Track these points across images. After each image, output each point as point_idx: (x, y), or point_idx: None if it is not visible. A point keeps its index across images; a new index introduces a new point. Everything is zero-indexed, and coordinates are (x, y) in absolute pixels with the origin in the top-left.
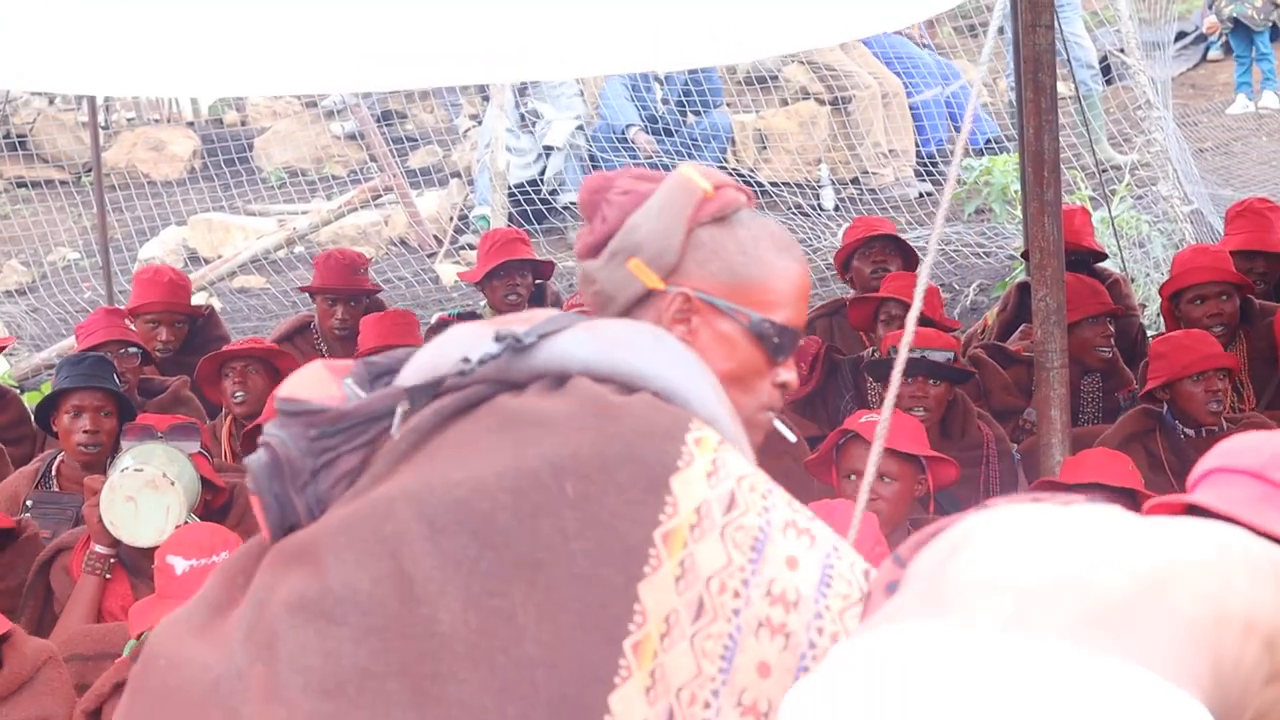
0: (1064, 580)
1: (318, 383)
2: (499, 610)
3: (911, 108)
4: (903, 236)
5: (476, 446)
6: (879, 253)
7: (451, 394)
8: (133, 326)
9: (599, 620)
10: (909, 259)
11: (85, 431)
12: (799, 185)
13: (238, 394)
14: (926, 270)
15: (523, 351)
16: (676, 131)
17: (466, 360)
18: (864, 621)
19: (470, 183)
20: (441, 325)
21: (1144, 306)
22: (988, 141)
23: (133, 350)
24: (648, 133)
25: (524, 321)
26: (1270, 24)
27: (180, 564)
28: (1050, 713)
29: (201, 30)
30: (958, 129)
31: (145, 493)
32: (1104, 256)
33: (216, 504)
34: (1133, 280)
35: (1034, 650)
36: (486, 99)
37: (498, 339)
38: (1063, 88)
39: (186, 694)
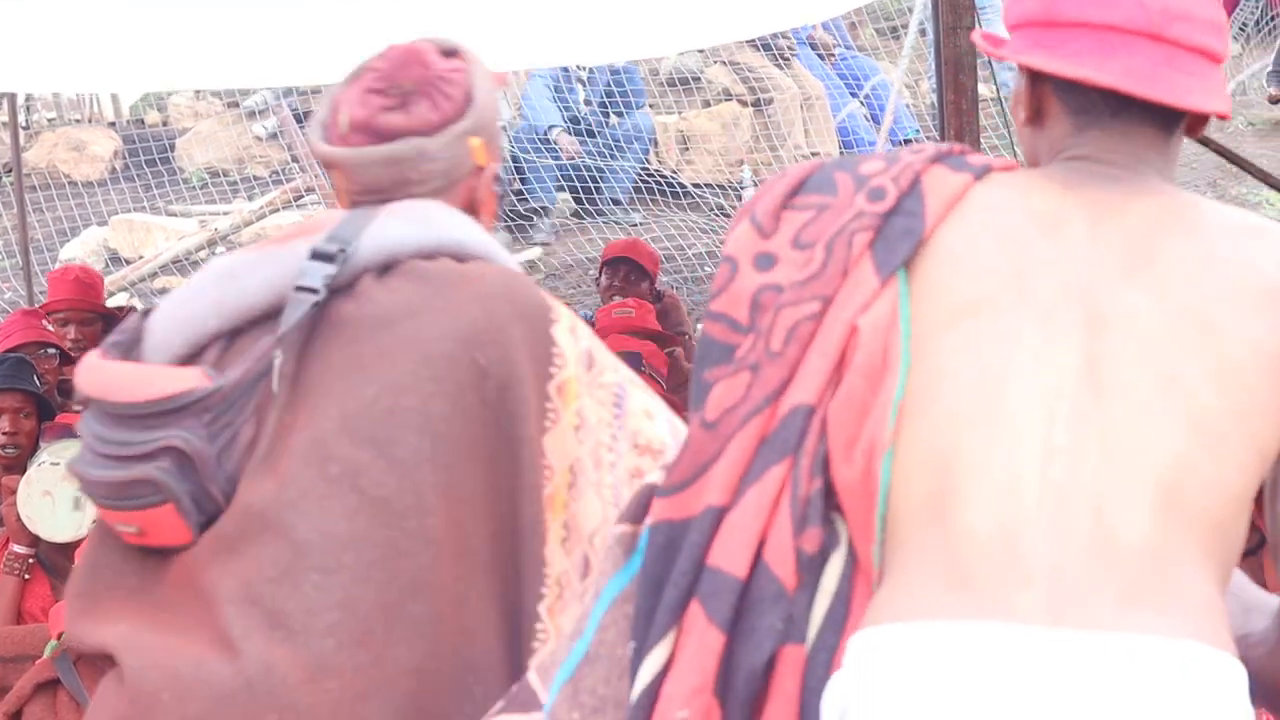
0: (1095, 549)
1: (130, 374)
2: (463, 499)
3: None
4: None
5: (367, 359)
6: None
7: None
8: (51, 327)
9: (530, 482)
10: None
11: (4, 433)
12: (722, 187)
13: None
14: None
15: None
16: (599, 132)
17: (312, 290)
18: (886, 599)
19: None
20: None
21: None
22: (907, 141)
23: (51, 351)
24: (570, 134)
25: (314, 230)
26: None
27: None
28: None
29: (123, 24)
30: (877, 124)
31: (62, 487)
32: None
33: None
34: None
35: (1088, 647)
36: None
37: (325, 256)
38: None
39: (221, 712)
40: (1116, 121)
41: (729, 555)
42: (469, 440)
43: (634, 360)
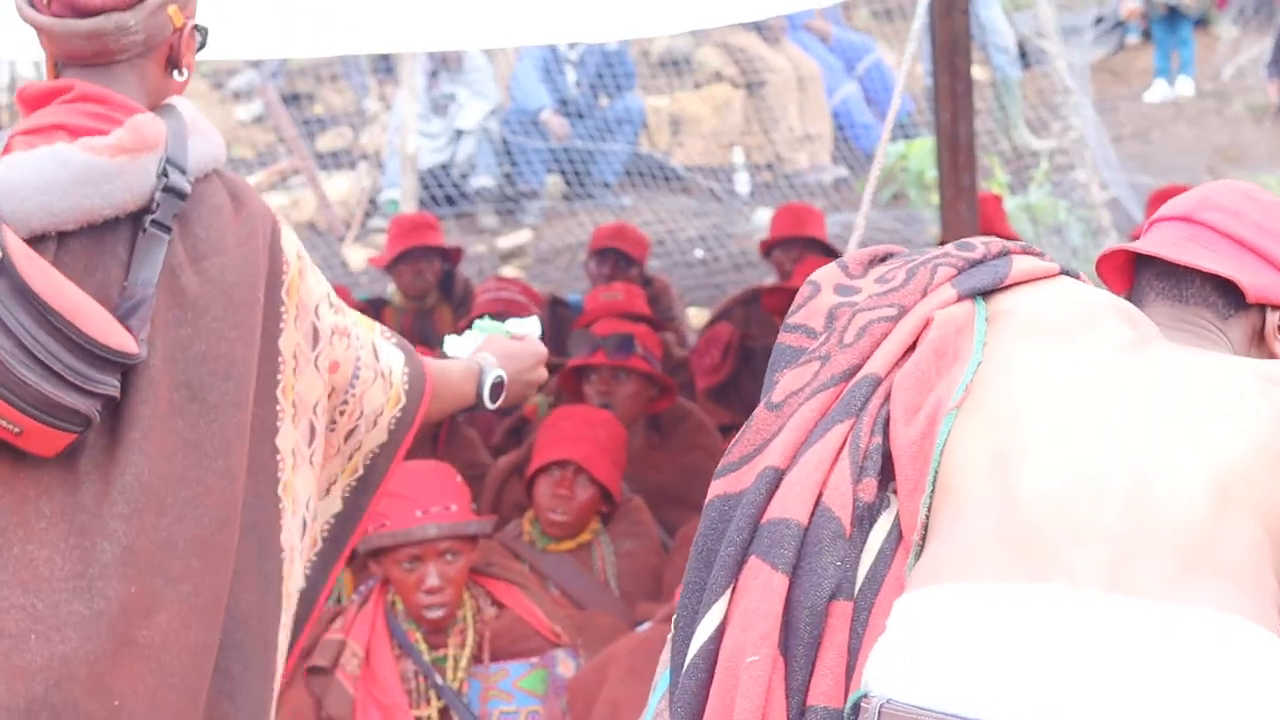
0: (1152, 517)
1: (96, 312)
2: (252, 427)
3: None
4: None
5: (186, 299)
6: (800, 250)
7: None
8: None
9: (272, 377)
10: (829, 254)
11: None
12: (713, 170)
13: None
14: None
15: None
16: (589, 115)
17: (167, 228)
18: (944, 567)
19: (380, 166)
20: None
21: None
22: (900, 125)
23: None
24: (561, 116)
25: (147, 141)
26: (1203, 10)
27: None
28: (1164, 681)
29: None
30: (874, 107)
31: None
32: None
33: None
34: None
35: (1141, 614)
36: (398, 82)
37: (177, 193)
38: (980, 72)
39: (84, 650)
40: (1163, 301)
41: (789, 504)
42: (258, 375)
43: (626, 342)
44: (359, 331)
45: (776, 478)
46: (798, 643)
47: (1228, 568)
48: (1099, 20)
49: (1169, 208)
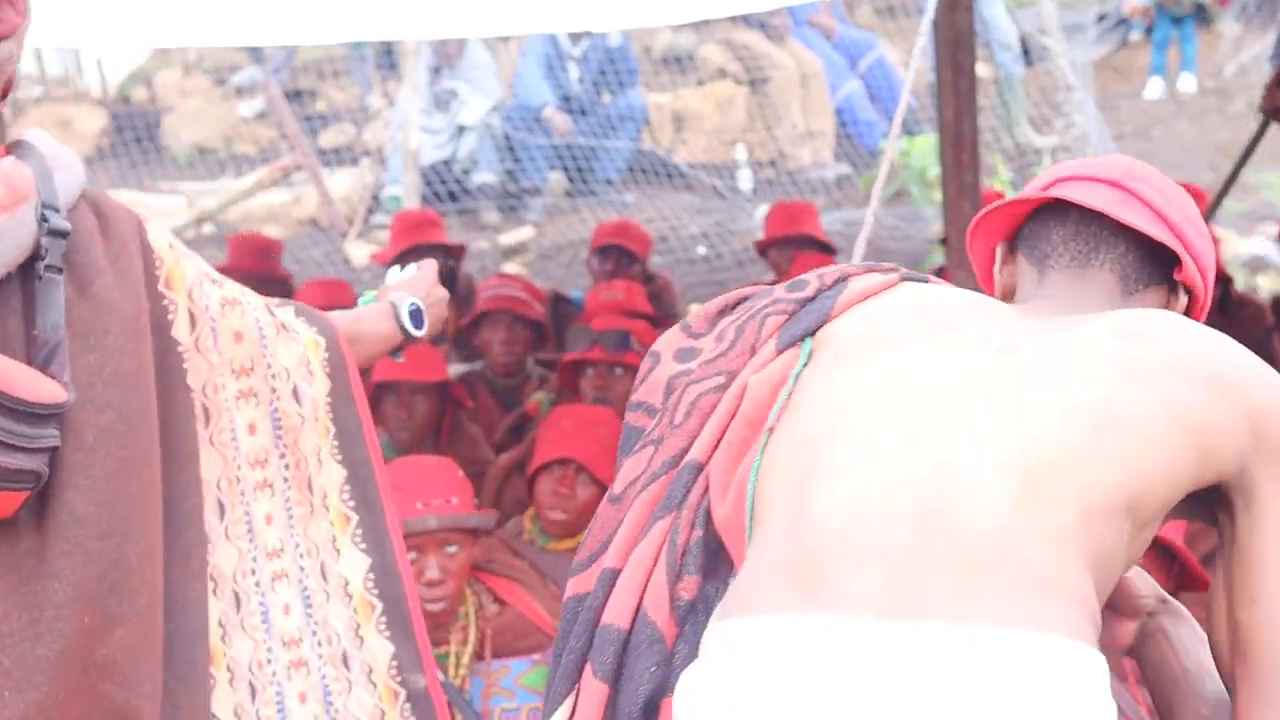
0: (944, 529)
1: (23, 373)
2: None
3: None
4: (821, 219)
5: (84, 326)
6: (795, 249)
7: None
8: None
9: (189, 369)
10: (825, 250)
11: None
12: (716, 166)
13: None
14: (860, 255)
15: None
16: (592, 111)
17: (59, 270)
18: (731, 600)
19: (383, 162)
20: None
21: None
22: (902, 121)
23: None
24: (563, 112)
25: (20, 195)
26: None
27: None
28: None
29: None
30: (877, 104)
31: None
32: None
33: None
34: None
35: (915, 640)
36: (400, 78)
37: (59, 233)
38: (982, 70)
39: (54, 691)
40: (1074, 266)
41: (615, 609)
42: (158, 370)
43: (623, 338)
44: (248, 298)
45: (613, 579)
46: None
47: (1024, 574)
48: (1101, 18)
49: (1085, 168)
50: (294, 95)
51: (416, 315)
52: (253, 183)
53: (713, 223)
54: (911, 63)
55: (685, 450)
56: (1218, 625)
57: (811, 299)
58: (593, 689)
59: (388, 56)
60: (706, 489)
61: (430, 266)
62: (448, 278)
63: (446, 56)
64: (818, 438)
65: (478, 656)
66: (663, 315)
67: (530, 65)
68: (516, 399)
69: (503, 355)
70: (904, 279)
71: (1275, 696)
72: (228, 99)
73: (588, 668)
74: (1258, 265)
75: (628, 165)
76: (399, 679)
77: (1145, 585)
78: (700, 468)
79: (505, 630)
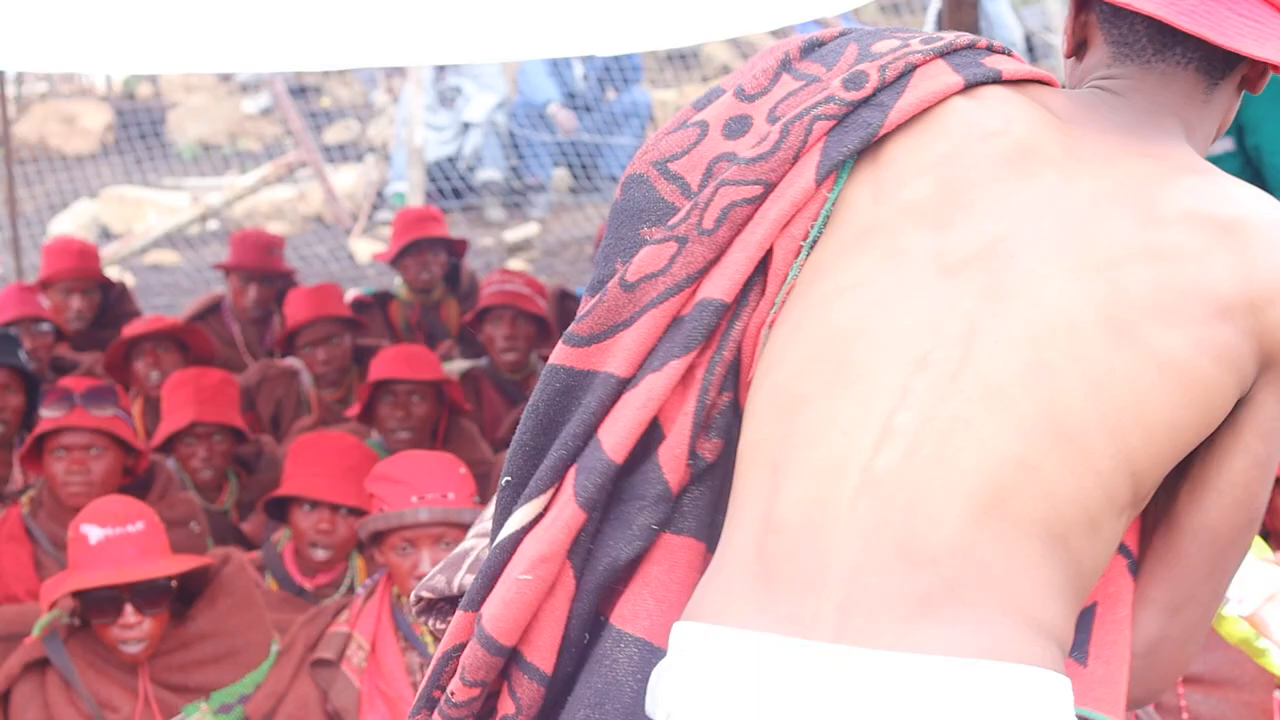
0: (892, 544)
1: None
2: None
3: None
4: None
5: None
6: None
7: None
8: (45, 303)
9: None
10: None
11: None
12: None
13: (153, 375)
14: None
15: None
16: (596, 108)
17: None
18: (703, 600)
19: (387, 159)
20: (359, 305)
21: None
22: None
23: (45, 327)
24: (568, 109)
25: None
26: None
27: (95, 533)
28: None
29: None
30: None
31: None
32: None
33: (139, 469)
34: None
35: (863, 669)
36: (405, 76)
37: None
38: None
39: None
40: (1157, 60)
41: (613, 436)
42: None
43: None
44: None
45: (618, 390)
46: (591, 579)
47: (987, 601)
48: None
49: None
50: (299, 91)
51: None
52: (257, 179)
53: None
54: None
55: (707, 267)
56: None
57: (864, 101)
58: (566, 511)
59: None
60: (738, 343)
61: None
62: (453, 274)
63: None
64: (796, 401)
65: None
66: None
67: (535, 62)
68: (521, 395)
69: (506, 351)
70: (969, 83)
71: (1190, 560)
72: (233, 95)
73: (572, 475)
74: None
75: None
76: None
77: None
78: (725, 309)
79: None
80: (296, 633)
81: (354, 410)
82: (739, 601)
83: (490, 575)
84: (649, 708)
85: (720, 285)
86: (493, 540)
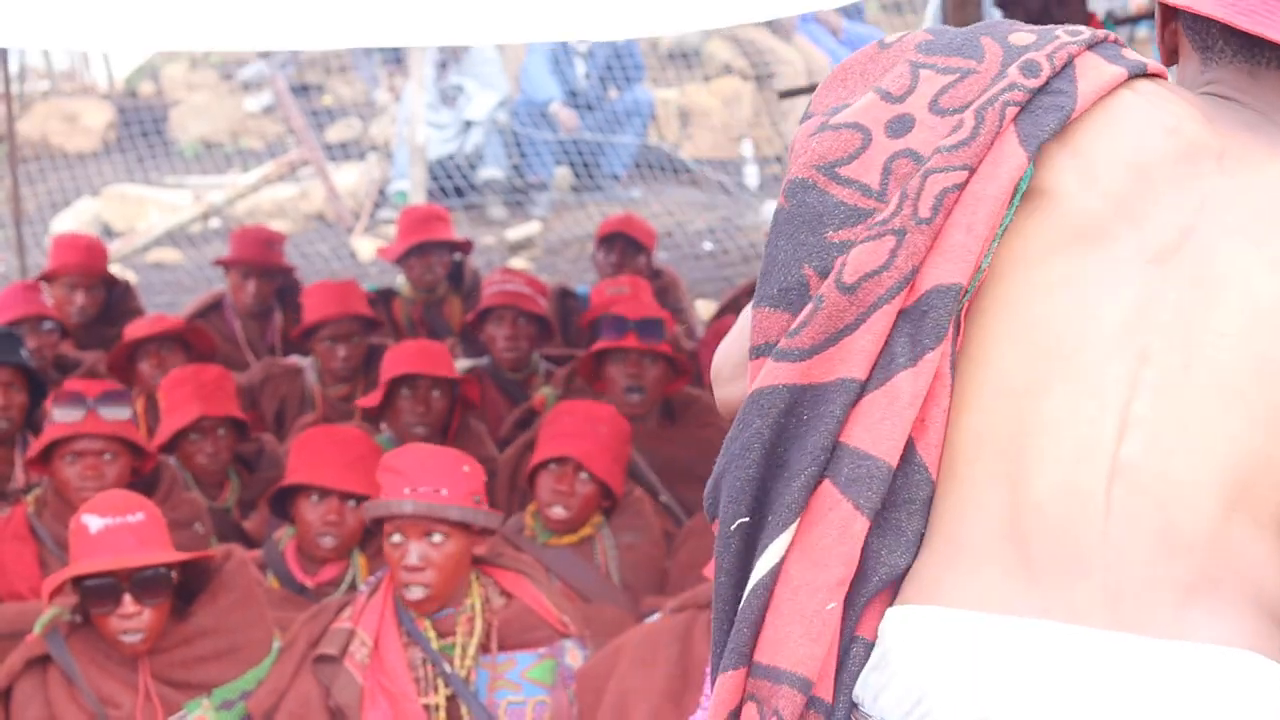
0: (1151, 532)
1: None
2: None
3: None
4: None
5: None
6: None
7: None
8: (49, 300)
9: None
10: None
11: None
12: (722, 162)
13: (158, 376)
14: None
15: None
16: (598, 107)
17: None
18: (943, 583)
19: (389, 157)
20: None
21: None
22: None
23: (49, 325)
24: (569, 108)
25: None
26: None
27: (95, 523)
28: None
29: None
30: None
31: None
32: None
33: (145, 470)
34: None
35: (1141, 656)
36: (407, 74)
37: None
38: None
39: None
40: (1242, 62)
41: (876, 438)
42: None
43: (657, 325)
44: None
45: (856, 393)
46: (863, 592)
47: (1239, 592)
48: (1109, 14)
49: None
50: (301, 90)
51: None
52: (259, 177)
53: (719, 218)
54: None
55: (926, 251)
56: None
57: (1043, 88)
58: (853, 524)
59: (394, 52)
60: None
61: None
62: (456, 272)
63: (453, 52)
64: (1023, 392)
65: (484, 649)
66: (670, 311)
67: (537, 60)
68: (522, 394)
69: (508, 351)
70: (1130, 76)
71: None
72: (234, 93)
73: (830, 486)
74: None
75: (634, 161)
76: None
77: None
78: (960, 295)
79: (511, 623)
80: (299, 629)
81: (368, 401)
82: (1000, 587)
83: (755, 621)
84: (858, 695)
85: (948, 270)
86: (735, 585)
